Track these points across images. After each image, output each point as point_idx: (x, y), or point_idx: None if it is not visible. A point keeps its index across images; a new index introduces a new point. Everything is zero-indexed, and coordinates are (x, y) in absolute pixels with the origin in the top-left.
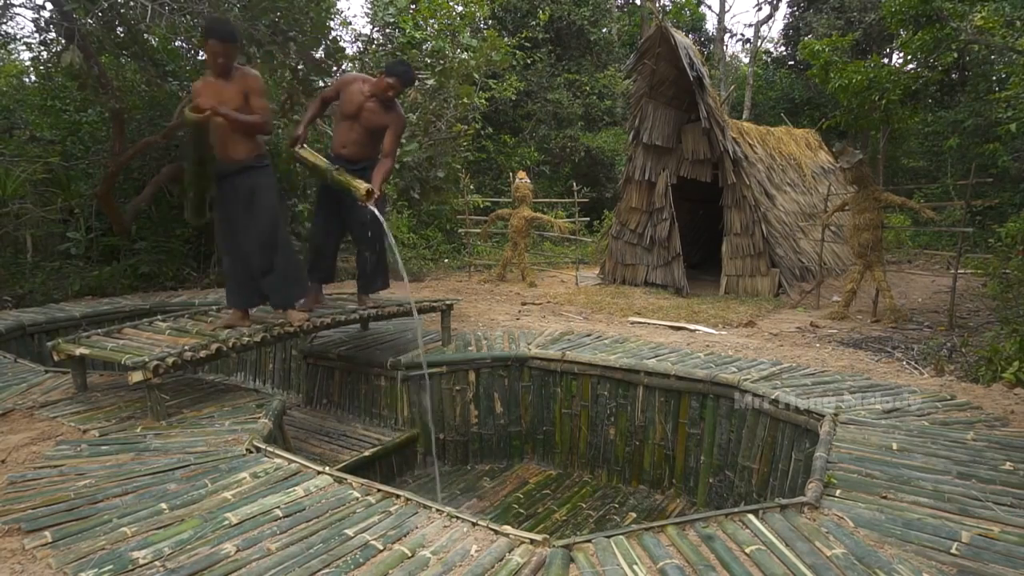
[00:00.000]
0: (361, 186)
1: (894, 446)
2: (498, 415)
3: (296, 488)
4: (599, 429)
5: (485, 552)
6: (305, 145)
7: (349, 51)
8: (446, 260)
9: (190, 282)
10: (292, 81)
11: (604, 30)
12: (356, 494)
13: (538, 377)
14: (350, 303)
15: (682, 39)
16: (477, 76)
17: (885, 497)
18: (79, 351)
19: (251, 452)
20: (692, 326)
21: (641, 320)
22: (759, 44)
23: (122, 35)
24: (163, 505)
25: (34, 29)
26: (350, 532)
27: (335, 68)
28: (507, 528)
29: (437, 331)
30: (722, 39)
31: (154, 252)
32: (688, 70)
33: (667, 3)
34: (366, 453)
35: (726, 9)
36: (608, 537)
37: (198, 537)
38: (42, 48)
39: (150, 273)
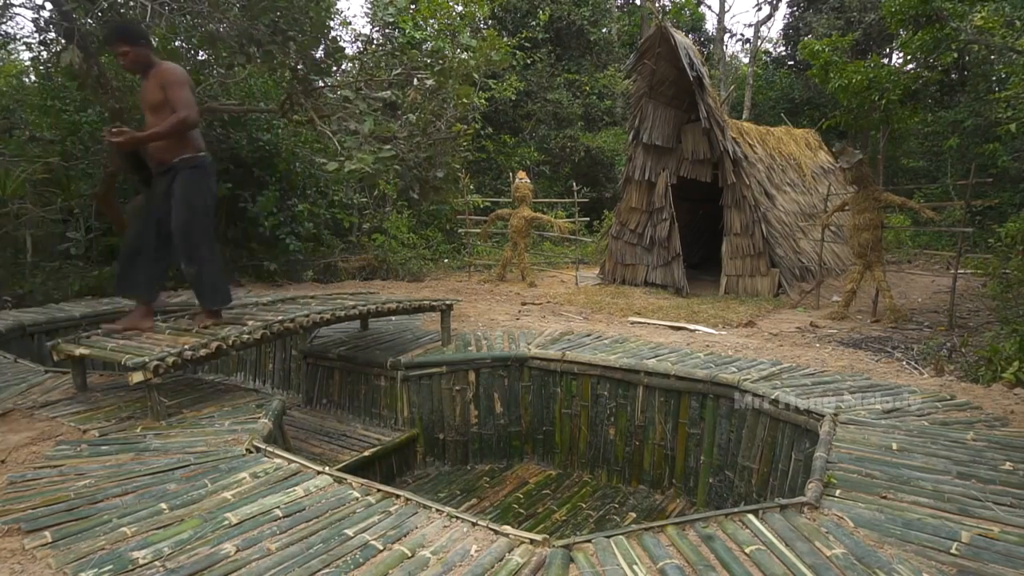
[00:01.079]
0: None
1: (894, 446)
2: (498, 415)
3: (296, 488)
4: (599, 429)
5: (485, 552)
6: None
7: (349, 51)
8: (446, 260)
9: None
10: (292, 81)
11: (604, 30)
12: (356, 494)
13: (538, 377)
14: (349, 300)
15: (682, 39)
16: (477, 76)
17: (885, 497)
18: (79, 351)
19: (251, 452)
20: (692, 326)
21: (641, 320)
22: (759, 44)
23: None
24: (163, 505)
25: (34, 29)
26: (350, 532)
27: (335, 68)
28: (507, 528)
29: (437, 331)
30: (722, 39)
31: None
32: (688, 70)
33: (667, 3)
34: (366, 453)
35: (726, 9)
36: (608, 537)
37: (198, 537)
38: (42, 48)
39: None
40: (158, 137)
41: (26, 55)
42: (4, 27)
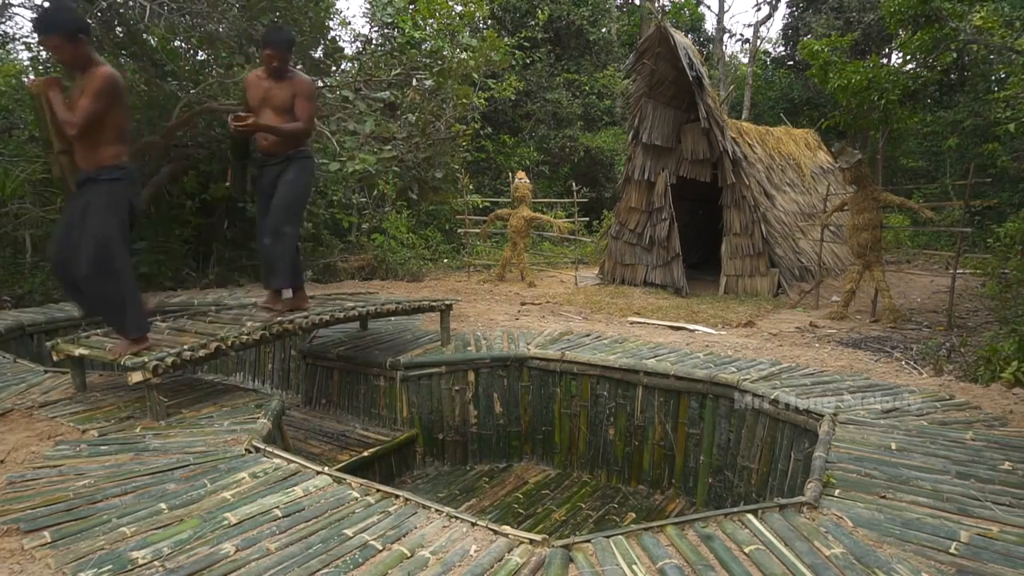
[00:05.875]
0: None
1: (893, 446)
2: (497, 415)
3: (295, 488)
4: (598, 429)
5: (484, 552)
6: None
7: (348, 51)
8: (445, 260)
9: (189, 282)
10: None
11: (603, 30)
12: (355, 494)
13: (537, 377)
14: (348, 301)
15: (681, 39)
16: (476, 76)
17: (884, 497)
18: (78, 351)
19: (250, 452)
20: (691, 326)
21: (640, 320)
22: (758, 44)
23: (121, 35)
24: (162, 505)
25: (33, 29)
26: (349, 532)
27: (334, 68)
28: (506, 528)
29: (436, 331)
30: (721, 39)
31: (153, 252)
32: (687, 70)
33: (666, 3)
34: (365, 453)
35: (725, 9)
36: (607, 537)
37: (197, 537)
38: (41, 48)
39: (149, 273)
40: (278, 134)
41: (25, 55)
42: (4, 27)
